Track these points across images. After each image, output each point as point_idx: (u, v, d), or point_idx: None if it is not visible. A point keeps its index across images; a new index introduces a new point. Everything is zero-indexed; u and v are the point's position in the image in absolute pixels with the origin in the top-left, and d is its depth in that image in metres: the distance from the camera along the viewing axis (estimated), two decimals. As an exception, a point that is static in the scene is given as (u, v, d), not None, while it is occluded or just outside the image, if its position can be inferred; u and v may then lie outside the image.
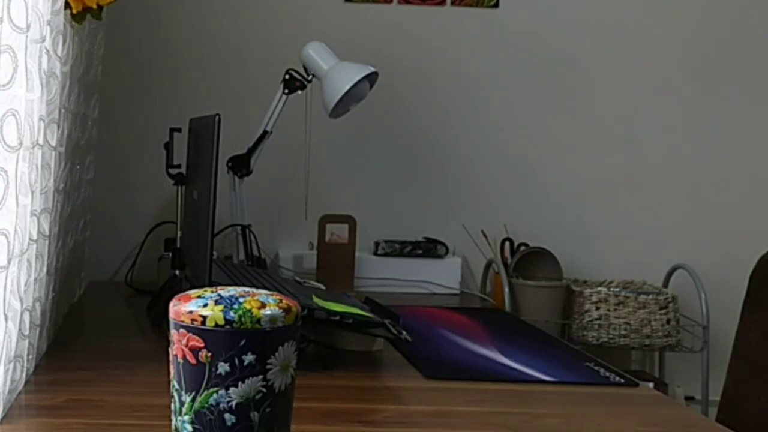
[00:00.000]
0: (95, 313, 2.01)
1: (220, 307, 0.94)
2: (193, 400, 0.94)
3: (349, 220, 2.26)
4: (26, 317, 1.28)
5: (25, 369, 1.30)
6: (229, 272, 1.81)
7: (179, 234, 1.88)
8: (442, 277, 2.39)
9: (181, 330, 0.94)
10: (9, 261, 1.13)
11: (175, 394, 0.96)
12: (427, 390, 1.41)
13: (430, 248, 2.41)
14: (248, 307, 0.94)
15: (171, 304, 0.97)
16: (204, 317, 0.93)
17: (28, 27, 1.15)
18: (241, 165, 2.21)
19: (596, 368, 1.57)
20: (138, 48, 2.43)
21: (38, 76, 1.23)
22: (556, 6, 2.55)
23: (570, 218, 2.57)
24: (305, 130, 2.27)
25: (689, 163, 2.59)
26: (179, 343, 0.95)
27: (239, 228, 2.20)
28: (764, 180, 2.60)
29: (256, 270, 1.95)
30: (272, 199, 2.44)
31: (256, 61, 2.46)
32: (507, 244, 2.49)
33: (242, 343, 0.93)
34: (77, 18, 1.56)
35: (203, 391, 0.93)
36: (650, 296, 2.35)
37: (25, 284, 1.26)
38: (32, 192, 1.26)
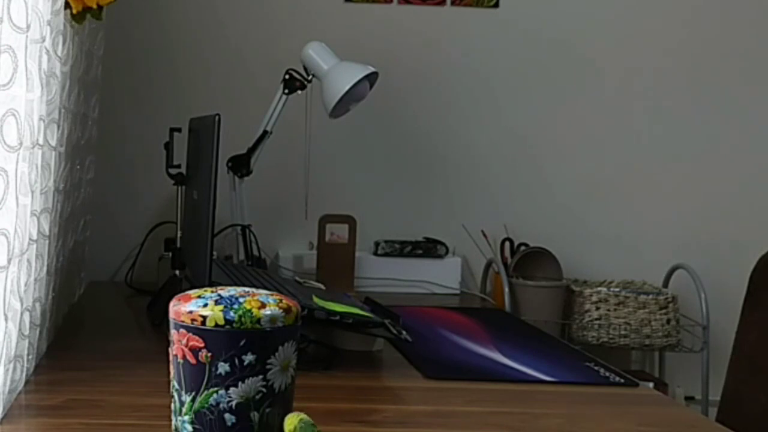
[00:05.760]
0: (95, 313, 2.00)
1: (220, 307, 0.94)
2: (193, 400, 0.94)
3: (349, 220, 2.26)
4: (26, 317, 1.28)
5: (25, 369, 1.30)
6: (229, 272, 1.81)
7: (179, 234, 1.88)
8: (442, 277, 2.39)
9: (181, 330, 0.94)
10: (9, 261, 1.13)
11: (175, 394, 0.96)
12: (427, 390, 1.41)
13: (430, 248, 2.41)
14: (248, 307, 0.94)
15: (171, 304, 0.98)
16: (204, 317, 0.93)
17: (28, 27, 1.15)
18: (241, 165, 2.21)
19: (596, 368, 1.57)
20: (138, 48, 2.43)
21: (38, 76, 1.23)
22: (556, 5, 2.55)
23: (570, 218, 2.57)
24: (305, 130, 2.27)
25: (689, 163, 2.59)
26: (179, 343, 0.95)
27: (239, 228, 2.20)
28: (764, 180, 2.60)
29: (256, 270, 1.95)
30: (272, 199, 2.44)
31: (256, 61, 2.46)
32: (507, 244, 2.49)
33: (242, 343, 0.93)
34: (77, 18, 1.56)
35: (203, 391, 0.93)
36: (650, 296, 2.35)
37: (25, 284, 1.26)
38: (32, 192, 1.26)
